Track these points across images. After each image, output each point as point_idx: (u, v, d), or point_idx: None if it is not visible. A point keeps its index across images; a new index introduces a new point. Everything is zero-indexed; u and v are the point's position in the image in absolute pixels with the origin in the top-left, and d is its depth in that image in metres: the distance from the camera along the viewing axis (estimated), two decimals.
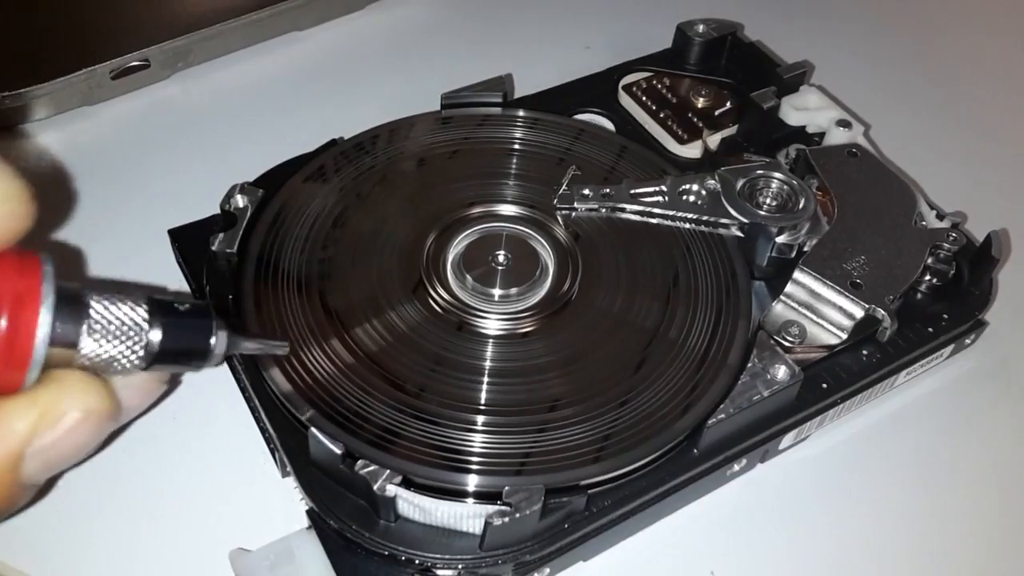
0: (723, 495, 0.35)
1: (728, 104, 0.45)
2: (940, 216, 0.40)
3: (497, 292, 0.36)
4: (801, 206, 0.38)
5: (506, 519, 0.29)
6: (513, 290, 0.36)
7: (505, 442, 0.31)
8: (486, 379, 0.33)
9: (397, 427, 0.31)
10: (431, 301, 0.35)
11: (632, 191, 0.39)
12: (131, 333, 0.25)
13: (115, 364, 0.25)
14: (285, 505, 0.33)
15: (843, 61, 0.52)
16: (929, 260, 0.38)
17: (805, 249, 0.37)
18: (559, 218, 0.39)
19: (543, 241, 0.38)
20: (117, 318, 0.25)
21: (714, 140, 0.44)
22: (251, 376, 0.33)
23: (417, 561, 0.30)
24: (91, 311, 0.25)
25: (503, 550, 0.30)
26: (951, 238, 0.38)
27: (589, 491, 0.31)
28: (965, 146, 0.49)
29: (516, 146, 0.42)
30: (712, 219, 0.38)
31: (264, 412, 0.33)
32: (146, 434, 0.35)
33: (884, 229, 0.38)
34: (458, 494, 0.30)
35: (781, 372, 0.33)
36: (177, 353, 0.27)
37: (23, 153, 0.44)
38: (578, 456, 0.31)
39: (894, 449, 0.37)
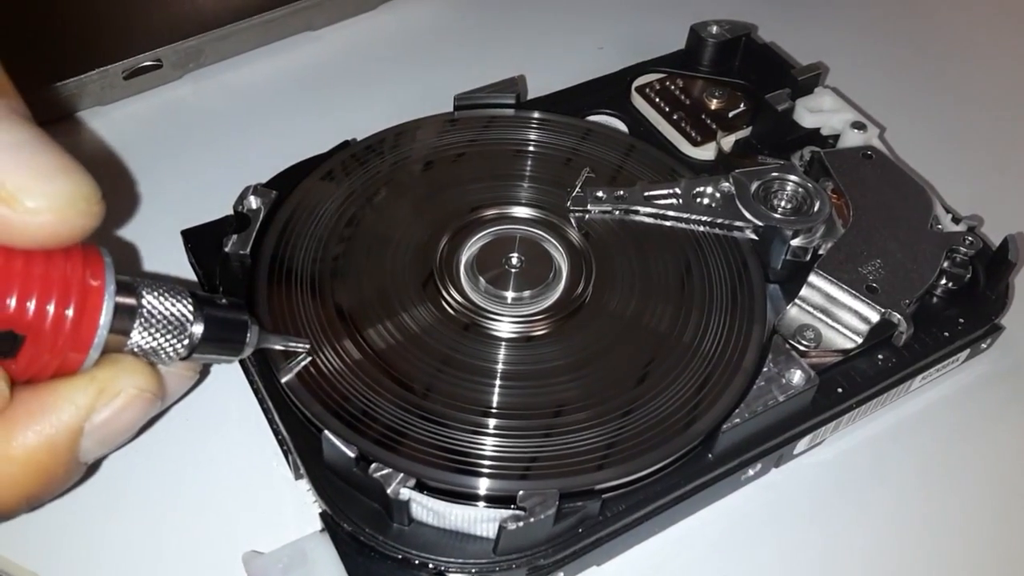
0: (737, 500, 0.35)
1: (742, 106, 0.45)
2: (956, 219, 0.39)
3: (510, 295, 0.36)
4: (816, 209, 0.38)
5: (520, 523, 0.29)
6: (526, 293, 0.36)
7: (519, 446, 0.31)
8: (500, 382, 0.33)
9: (411, 430, 0.31)
10: (444, 303, 0.35)
11: (646, 193, 0.39)
12: (177, 324, 0.27)
13: (161, 352, 0.27)
14: (298, 508, 0.33)
15: (858, 63, 0.52)
16: (945, 264, 0.37)
17: (820, 252, 0.37)
18: (572, 220, 0.38)
19: (556, 244, 0.38)
20: (167, 310, 0.27)
21: (728, 142, 0.44)
22: (264, 378, 0.33)
23: (431, 565, 0.30)
24: (143, 302, 0.26)
25: (517, 554, 0.30)
26: (967, 242, 0.38)
27: (603, 495, 0.31)
28: (981, 149, 0.49)
29: (530, 148, 0.41)
30: (726, 222, 0.38)
31: (277, 414, 0.33)
32: (159, 435, 0.35)
33: (900, 232, 0.38)
34: (472, 498, 0.30)
35: (797, 377, 0.33)
36: (215, 345, 0.28)
37: None
38: (593, 460, 0.31)
39: (909, 453, 0.36)
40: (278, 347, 0.32)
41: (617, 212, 0.39)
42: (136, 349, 0.27)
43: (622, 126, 0.45)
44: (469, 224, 0.38)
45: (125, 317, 0.26)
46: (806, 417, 0.34)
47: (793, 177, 0.39)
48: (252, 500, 0.33)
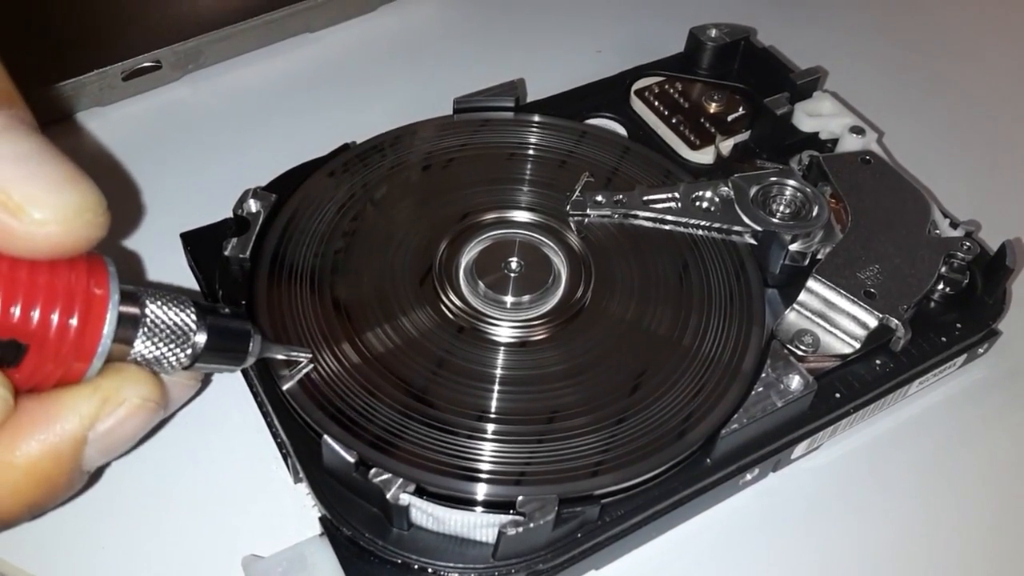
0: (735, 504, 0.35)
1: (741, 109, 0.45)
2: (954, 224, 0.39)
3: (509, 299, 0.36)
4: (815, 214, 0.38)
5: (520, 528, 0.29)
6: (525, 297, 0.36)
7: (518, 451, 0.31)
8: (500, 387, 0.33)
9: (411, 435, 0.31)
10: (443, 308, 0.35)
11: (645, 198, 0.39)
12: (180, 333, 0.27)
13: (164, 361, 0.27)
14: (297, 512, 0.33)
15: (857, 67, 0.52)
16: (943, 269, 0.37)
17: (818, 257, 0.37)
18: (572, 224, 0.38)
19: (556, 248, 0.38)
20: (170, 319, 0.27)
21: (726, 146, 0.44)
22: (264, 382, 0.33)
23: (430, 570, 0.30)
24: (147, 311, 0.26)
25: (516, 559, 0.30)
26: (965, 247, 0.38)
27: (602, 501, 0.31)
28: (980, 154, 0.49)
29: (529, 151, 0.41)
30: (725, 226, 0.38)
31: (277, 419, 0.33)
32: (158, 439, 0.35)
33: (898, 238, 0.38)
34: (472, 503, 0.30)
35: (795, 382, 0.33)
36: (218, 354, 0.29)
37: None
38: (591, 465, 0.31)
39: (906, 458, 0.37)
40: (280, 356, 0.32)
41: (616, 216, 0.39)
42: (139, 358, 0.27)
43: (621, 130, 0.45)
44: (468, 228, 0.38)
45: (129, 326, 0.26)
46: (804, 422, 0.34)
47: (792, 182, 0.39)
48: (251, 504, 0.33)
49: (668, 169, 0.41)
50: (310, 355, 0.33)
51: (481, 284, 0.36)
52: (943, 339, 0.37)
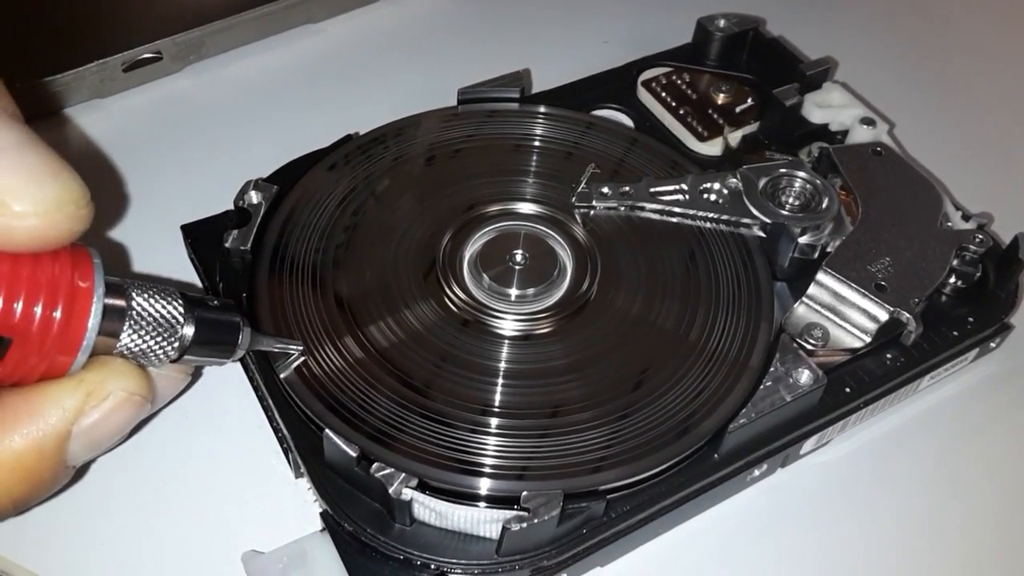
0: (743, 500, 0.34)
1: (749, 100, 0.44)
2: (966, 217, 0.39)
3: (514, 292, 0.35)
4: (824, 206, 0.37)
5: (524, 524, 0.28)
6: (530, 290, 0.35)
7: (523, 446, 0.31)
8: (504, 381, 0.33)
9: (413, 429, 0.31)
10: (447, 300, 0.35)
11: (652, 189, 0.38)
12: (167, 327, 0.27)
13: (151, 354, 0.27)
14: (298, 507, 0.33)
15: (867, 57, 0.51)
16: (954, 262, 0.37)
17: (828, 250, 0.37)
18: (577, 217, 0.38)
19: (561, 240, 0.37)
20: (156, 311, 0.27)
21: (735, 137, 0.43)
22: (265, 376, 0.33)
23: (433, 566, 0.29)
24: (133, 303, 0.26)
25: (520, 555, 0.29)
26: (977, 240, 0.37)
27: (608, 496, 0.30)
28: (992, 145, 0.48)
29: (535, 143, 0.41)
30: (733, 219, 0.38)
31: (278, 412, 0.32)
32: (158, 433, 0.34)
33: (909, 230, 0.37)
34: (475, 498, 0.30)
35: (804, 376, 0.33)
36: (206, 347, 0.28)
37: None
38: (597, 460, 0.30)
39: (916, 453, 0.36)
40: (272, 349, 0.32)
41: (623, 208, 0.38)
42: (125, 351, 0.26)
43: (628, 121, 0.44)
44: (473, 220, 0.37)
45: (114, 319, 0.26)
46: (813, 417, 0.34)
47: (801, 174, 0.38)
48: (252, 499, 0.33)
49: (675, 160, 0.41)
50: (302, 347, 0.32)
51: (485, 277, 0.35)
52: (955, 333, 0.36)
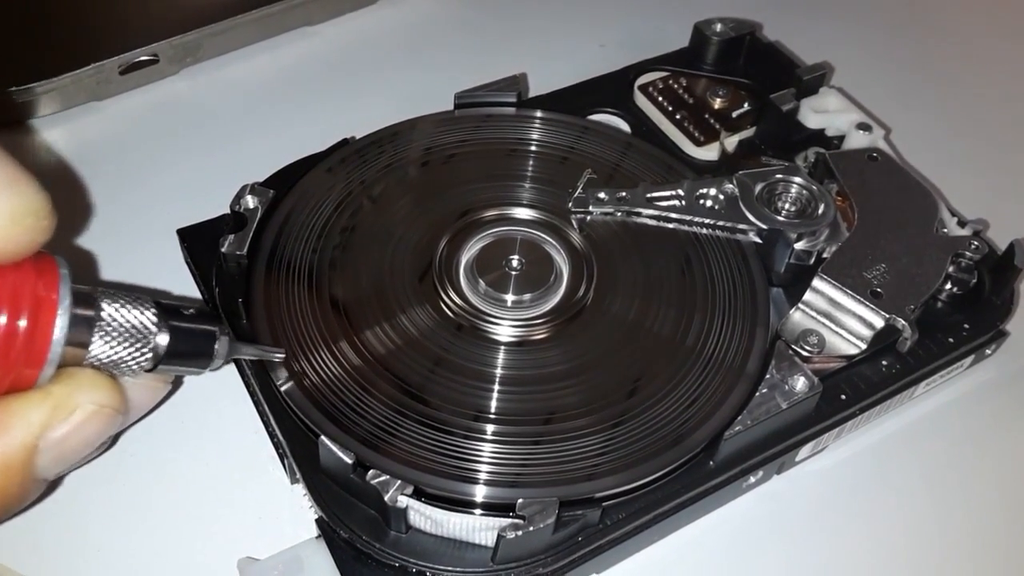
0: (738, 507, 0.34)
1: (746, 105, 0.44)
2: (962, 223, 0.39)
3: (510, 297, 0.35)
4: (820, 212, 0.37)
5: (519, 532, 0.28)
6: (526, 296, 0.35)
7: (518, 453, 0.31)
8: (500, 387, 0.33)
9: (409, 436, 0.31)
10: (443, 306, 0.35)
11: (648, 195, 0.38)
12: (139, 336, 0.26)
13: (123, 365, 0.26)
14: (294, 513, 0.33)
15: (864, 63, 0.51)
16: (950, 268, 0.37)
17: (824, 256, 0.37)
18: (574, 222, 0.38)
19: (558, 246, 0.37)
20: (127, 321, 0.26)
21: (731, 142, 0.43)
22: (261, 381, 0.33)
23: (428, 573, 0.29)
24: (103, 313, 0.26)
25: (516, 563, 0.29)
26: (973, 246, 0.37)
27: (604, 503, 0.30)
28: (988, 151, 0.48)
29: (532, 147, 0.41)
30: (729, 224, 0.38)
31: (274, 418, 0.32)
32: (153, 439, 0.34)
33: (905, 236, 0.37)
34: (471, 506, 0.30)
35: (800, 384, 0.33)
36: (182, 356, 0.28)
37: (32, 149, 0.44)
38: (593, 467, 0.30)
39: (912, 460, 0.36)
40: (252, 357, 0.31)
41: (619, 214, 0.38)
42: (96, 362, 0.26)
43: (624, 125, 0.44)
44: (469, 225, 0.37)
45: (83, 329, 0.25)
46: (809, 424, 0.34)
47: (798, 179, 0.39)
48: (247, 505, 0.33)
49: (670, 165, 0.41)
50: (284, 355, 0.32)
51: (481, 282, 0.35)
52: (950, 340, 0.36)
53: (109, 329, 0.26)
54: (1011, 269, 0.37)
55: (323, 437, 0.30)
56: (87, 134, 0.45)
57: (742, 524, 0.34)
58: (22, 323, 0.23)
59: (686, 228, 0.38)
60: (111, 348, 0.26)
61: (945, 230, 0.38)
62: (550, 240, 0.37)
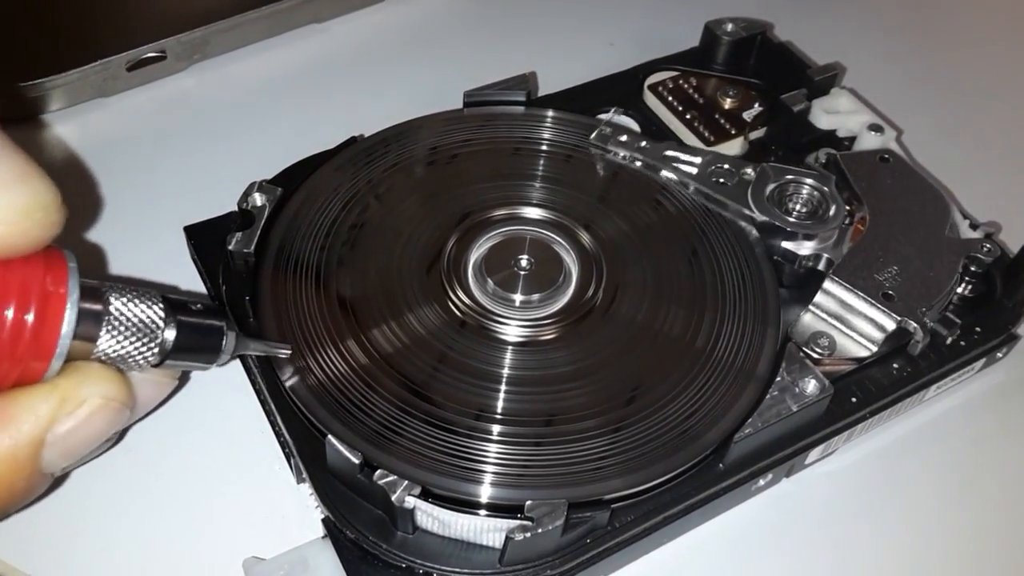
0: (747, 509, 0.34)
1: (756, 106, 0.44)
2: (974, 226, 0.38)
3: (518, 297, 0.35)
4: (831, 214, 0.37)
5: (528, 534, 0.28)
6: (535, 296, 0.35)
7: (527, 454, 0.30)
8: (508, 388, 0.32)
9: (417, 436, 0.31)
10: (451, 305, 0.35)
11: (666, 152, 0.39)
12: (147, 331, 0.26)
13: (130, 359, 0.26)
14: (300, 513, 0.32)
15: (875, 63, 0.51)
16: (961, 271, 0.37)
17: (822, 260, 0.36)
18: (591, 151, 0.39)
19: (567, 246, 0.37)
20: (135, 315, 0.26)
21: (737, 144, 0.43)
22: (267, 380, 0.32)
23: (435, 574, 0.29)
24: (111, 308, 0.26)
25: (524, 565, 0.29)
26: (985, 249, 0.37)
27: (612, 505, 0.30)
28: (1000, 153, 0.48)
29: (542, 147, 0.41)
30: (733, 205, 0.38)
31: (280, 417, 0.32)
32: (159, 437, 0.34)
33: (917, 238, 0.37)
34: (478, 507, 0.29)
35: (811, 386, 0.32)
36: (189, 351, 0.28)
37: (39, 145, 0.44)
38: (602, 469, 0.30)
39: (922, 463, 0.36)
40: (259, 353, 0.31)
41: (637, 162, 0.39)
42: (103, 356, 0.26)
43: (634, 124, 0.44)
44: (478, 225, 0.37)
45: (90, 323, 0.25)
46: (819, 427, 0.33)
47: (809, 181, 0.38)
48: (253, 504, 0.33)
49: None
50: (290, 351, 0.32)
51: (490, 281, 0.35)
52: (962, 343, 0.36)
53: (117, 324, 0.26)
54: (1023, 272, 0.36)
55: (330, 437, 0.29)
56: (94, 130, 0.45)
57: (751, 526, 0.34)
58: (30, 317, 0.23)
59: (689, 198, 0.38)
60: (118, 343, 0.26)
61: (957, 233, 0.38)
62: (559, 240, 0.37)
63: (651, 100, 0.45)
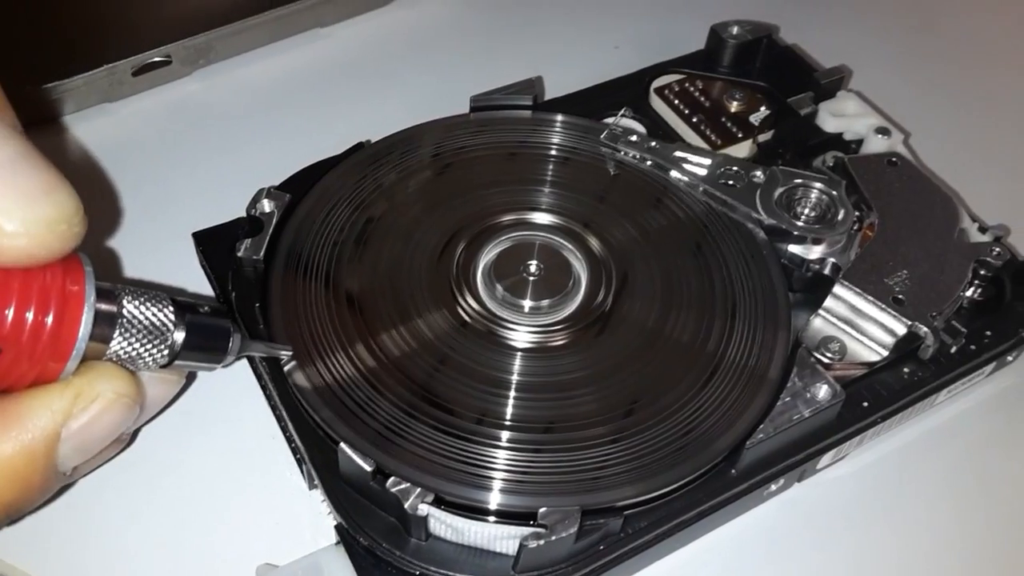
0: (759, 514, 0.34)
1: (763, 109, 0.44)
2: (983, 229, 0.38)
3: (528, 303, 0.35)
4: (840, 218, 0.37)
5: (541, 541, 0.28)
6: (544, 302, 0.35)
7: (540, 461, 0.30)
8: (520, 395, 0.32)
9: (430, 443, 0.31)
10: (461, 312, 0.35)
11: (677, 153, 0.39)
12: (158, 332, 0.27)
13: (140, 360, 0.27)
14: (313, 519, 0.32)
15: (882, 66, 0.51)
16: (971, 275, 0.37)
17: (826, 267, 0.37)
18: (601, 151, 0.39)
19: (576, 252, 0.37)
20: (147, 317, 0.27)
21: (744, 147, 0.43)
22: (279, 387, 0.32)
23: None
24: (124, 310, 0.26)
25: (537, 571, 0.29)
26: (995, 252, 0.37)
27: (625, 512, 0.30)
28: (1009, 156, 0.48)
29: (550, 151, 0.40)
30: (741, 207, 0.38)
31: (292, 424, 0.32)
32: (170, 443, 0.34)
33: (926, 242, 0.37)
34: (492, 514, 0.29)
35: (822, 391, 0.32)
36: (197, 352, 0.28)
37: (44, 151, 0.43)
38: (614, 476, 0.30)
39: (933, 467, 0.36)
40: (261, 354, 0.32)
41: (648, 162, 0.39)
42: (115, 356, 0.26)
43: (640, 128, 0.44)
44: (486, 230, 0.37)
45: (105, 324, 0.26)
46: (831, 432, 0.33)
47: (818, 185, 0.38)
48: (266, 510, 0.33)
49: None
50: (291, 352, 0.32)
51: (499, 287, 0.35)
52: (972, 347, 0.36)
53: (129, 325, 0.26)
54: None
55: (342, 444, 0.29)
56: (100, 136, 0.44)
57: (762, 531, 0.34)
58: (49, 319, 0.24)
59: (698, 199, 0.38)
60: (130, 344, 0.26)
61: (966, 236, 0.38)
62: (568, 246, 0.37)
63: (657, 103, 0.45)
